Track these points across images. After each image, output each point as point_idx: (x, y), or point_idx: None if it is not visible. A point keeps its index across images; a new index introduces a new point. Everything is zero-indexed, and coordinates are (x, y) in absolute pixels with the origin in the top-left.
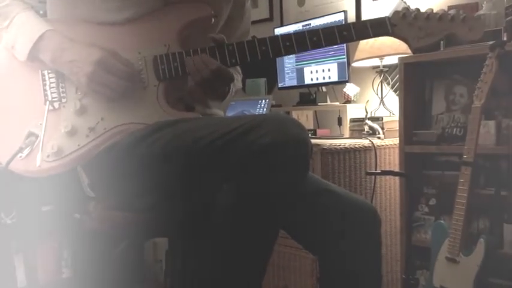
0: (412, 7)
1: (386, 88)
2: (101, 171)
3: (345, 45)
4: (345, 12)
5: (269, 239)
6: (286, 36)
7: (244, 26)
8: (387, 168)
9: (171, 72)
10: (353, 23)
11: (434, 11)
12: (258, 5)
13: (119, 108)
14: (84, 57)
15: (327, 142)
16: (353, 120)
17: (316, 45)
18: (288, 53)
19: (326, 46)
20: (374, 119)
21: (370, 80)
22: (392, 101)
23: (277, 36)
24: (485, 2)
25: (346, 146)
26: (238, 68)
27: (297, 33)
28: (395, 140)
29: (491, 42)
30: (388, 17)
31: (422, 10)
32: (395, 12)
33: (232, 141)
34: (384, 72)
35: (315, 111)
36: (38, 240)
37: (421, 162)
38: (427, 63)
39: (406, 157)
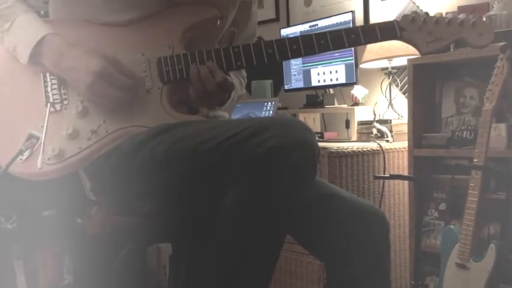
0: (421, 8)
1: (395, 90)
2: (103, 175)
3: None
4: (352, 12)
5: (275, 245)
6: (293, 39)
7: (250, 30)
8: (396, 172)
9: (176, 75)
10: (361, 27)
11: (444, 14)
12: (264, 5)
13: (121, 110)
14: (83, 65)
15: (335, 145)
16: (361, 123)
17: (324, 48)
18: (294, 57)
19: (334, 50)
20: (382, 122)
21: (378, 82)
22: (401, 103)
23: (284, 39)
24: (496, 2)
25: (354, 149)
26: (243, 72)
27: (304, 37)
28: (404, 143)
29: (502, 44)
30: (397, 21)
31: (432, 12)
32: (404, 16)
33: (237, 145)
34: (393, 73)
35: (322, 114)
36: (39, 246)
37: (431, 166)
38: (437, 64)
39: (415, 161)
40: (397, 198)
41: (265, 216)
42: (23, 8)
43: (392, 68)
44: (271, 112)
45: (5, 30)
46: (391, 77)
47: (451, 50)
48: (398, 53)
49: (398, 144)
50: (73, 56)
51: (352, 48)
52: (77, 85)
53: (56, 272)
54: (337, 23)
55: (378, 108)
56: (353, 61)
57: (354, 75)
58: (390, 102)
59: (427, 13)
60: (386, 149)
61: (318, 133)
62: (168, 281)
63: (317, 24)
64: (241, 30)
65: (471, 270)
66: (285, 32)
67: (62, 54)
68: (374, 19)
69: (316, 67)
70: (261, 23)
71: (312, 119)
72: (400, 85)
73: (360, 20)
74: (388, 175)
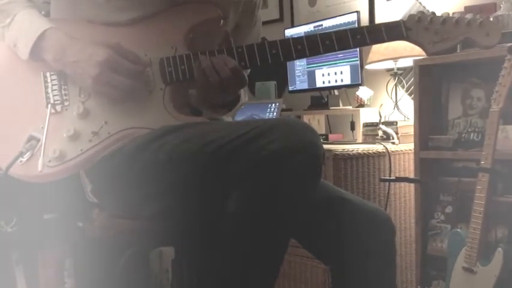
0: (428, 8)
1: (401, 91)
2: (105, 177)
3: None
4: (357, 12)
5: (279, 248)
6: (298, 40)
7: (254, 35)
8: (402, 175)
9: (178, 75)
10: (367, 27)
11: (451, 14)
12: (268, 5)
13: (123, 112)
14: (88, 57)
15: (340, 147)
16: (366, 125)
17: (329, 49)
18: (299, 57)
19: (339, 50)
20: (388, 124)
21: (384, 83)
22: (407, 104)
23: (288, 39)
24: (503, 2)
25: (359, 151)
26: None
27: (308, 37)
28: (410, 146)
29: (509, 44)
30: (403, 21)
31: (438, 12)
32: (411, 16)
33: (241, 147)
34: (399, 75)
35: (327, 116)
36: (40, 249)
37: (437, 168)
38: (443, 65)
39: (421, 163)
40: (403, 201)
41: (269, 219)
42: (24, 4)
43: (398, 69)
44: (275, 113)
45: (6, 26)
46: (396, 78)
47: (458, 50)
48: (404, 53)
49: (404, 146)
50: (76, 49)
51: (357, 49)
52: (82, 78)
53: (57, 275)
54: (342, 23)
55: (383, 110)
56: (358, 62)
57: (359, 77)
58: (396, 103)
59: (433, 13)
60: (392, 151)
61: (322, 135)
62: (171, 285)
63: (322, 25)
64: (245, 35)
65: (478, 275)
66: (289, 32)
67: (64, 48)
68: (379, 19)
69: (321, 68)
70: (264, 23)
71: (316, 121)
72: (406, 86)
73: (365, 21)
74: (393, 178)
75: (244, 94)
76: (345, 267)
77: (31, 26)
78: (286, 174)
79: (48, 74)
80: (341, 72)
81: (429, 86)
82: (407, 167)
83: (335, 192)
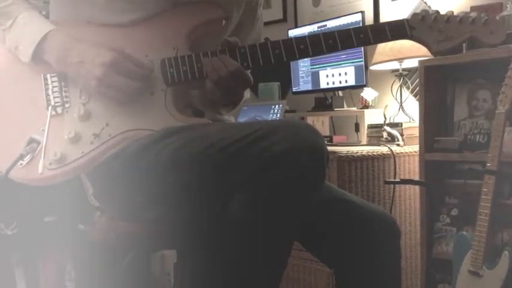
0: (433, 8)
1: (406, 93)
2: (106, 180)
3: (362, 47)
4: (362, 13)
5: (283, 251)
6: (301, 39)
7: (256, 33)
8: (407, 177)
9: (180, 76)
10: (370, 26)
11: (456, 13)
12: (271, 5)
13: (124, 113)
14: (92, 58)
15: (344, 149)
16: (371, 127)
17: (332, 48)
18: (302, 57)
19: (342, 49)
20: (393, 125)
21: (389, 84)
22: (412, 106)
23: (291, 38)
24: (509, 2)
25: (363, 153)
26: None
27: (312, 36)
28: (416, 147)
29: None
30: (406, 20)
31: (443, 12)
32: (414, 15)
33: (244, 149)
34: (404, 75)
35: (331, 117)
36: (40, 253)
37: (443, 170)
38: (449, 66)
39: (426, 165)
40: (408, 204)
41: (273, 221)
42: (24, 6)
43: (403, 69)
44: (278, 115)
45: (7, 28)
46: (401, 79)
47: (464, 51)
48: (409, 54)
49: (409, 148)
50: (79, 51)
51: (362, 50)
52: (85, 80)
53: (58, 279)
54: (346, 23)
55: (388, 111)
56: (363, 63)
57: (364, 78)
58: (401, 105)
59: (437, 11)
60: (397, 153)
61: (326, 137)
62: None
63: (326, 25)
64: (246, 33)
65: (484, 278)
66: (293, 32)
67: (68, 49)
68: (384, 19)
69: (325, 69)
70: (268, 23)
71: (320, 122)
72: (411, 87)
73: (370, 21)
74: (398, 180)
75: (246, 91)
76: (349, 270)
77: (33, 28)
78: (289, 176)
79: (48, 76)
80: (345, 73)
81: (434, 87)
82: (412, 169)
83: (339, 195)
